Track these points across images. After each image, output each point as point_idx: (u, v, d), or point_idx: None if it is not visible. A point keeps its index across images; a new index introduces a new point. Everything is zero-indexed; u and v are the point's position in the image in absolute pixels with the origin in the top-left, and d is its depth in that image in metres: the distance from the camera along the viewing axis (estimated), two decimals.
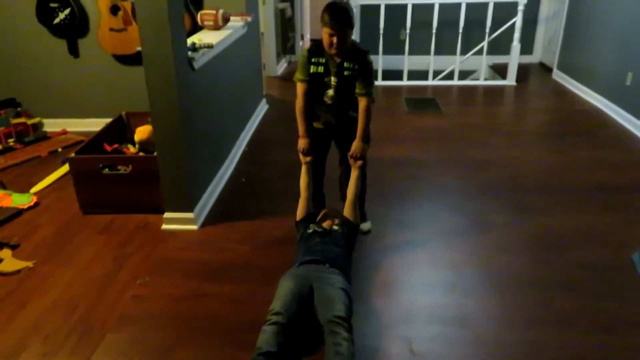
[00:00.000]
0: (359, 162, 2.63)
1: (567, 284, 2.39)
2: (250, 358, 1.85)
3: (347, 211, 2.61)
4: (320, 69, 2.49)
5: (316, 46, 2.49)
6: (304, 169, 2.67)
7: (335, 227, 2.50)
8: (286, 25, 6.64)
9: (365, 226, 2.85)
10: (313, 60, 2.49)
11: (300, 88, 2.57)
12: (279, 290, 2.08)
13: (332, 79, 2.49)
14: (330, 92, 2.53)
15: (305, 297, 2.04)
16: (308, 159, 2.66)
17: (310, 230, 2.45)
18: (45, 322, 2.19)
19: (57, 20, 4.12)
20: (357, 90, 2.50)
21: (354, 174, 2.65)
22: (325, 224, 2.54)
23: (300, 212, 2.63)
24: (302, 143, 2.65)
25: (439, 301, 2.31)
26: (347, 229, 2.52)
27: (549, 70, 6.42)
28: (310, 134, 2.65)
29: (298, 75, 2.56)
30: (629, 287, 2.36)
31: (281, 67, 6.78)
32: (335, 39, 2.34)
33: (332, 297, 2.02)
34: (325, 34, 2.36)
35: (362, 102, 2.52)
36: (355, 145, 2.60)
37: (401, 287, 2.41)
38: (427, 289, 2.41)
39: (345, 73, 2.46)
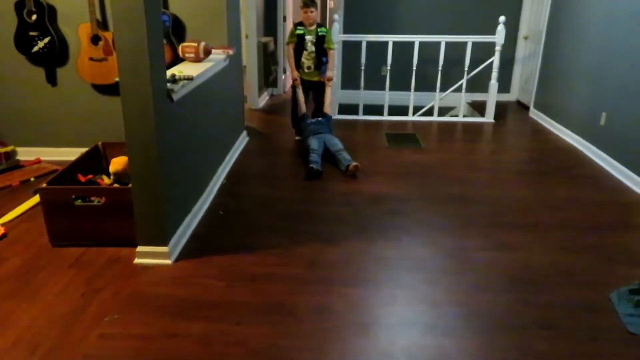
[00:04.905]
0: (330, 82, 5.00)
1: (546, 324, 2.36)
2: (307, 168, 4.13)
3: (326, 108, 4.99)
4: (302, 31, 4.86)
5: (300, 22, 4.89)
6: (299, 89, 4.99)
7: (320, 119, 4.87)
8: (269, 59, 6.70)
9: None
10: (298, 27, 4.87)
11: (291, 47, 4.96)
12: (312, 143, 4.41)
13: (310, 37, 4.85)
14: (309, 44, 4.86)
15: (322, 144, 4.45)
16: (298, 81, 4.97)
17: (310, 120, 4.85)
18: None
19: (35, 49, 4.08)
20: (326, 45, 4.88)
21: (327, 90, 4.99)
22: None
23: (301, 109, 4.96)
24: (294, 74, 5.00)
25: (418, 341, 2.25)
26: (327, 118, 4.93)
27: (526, 108, 6.57)
28: (298, 71, 5.01)
29: (288, 39, 4.99)
30: (608, 327, 2.34)
31: (263, 100, 6.80)
32: (308, 14, 4.76)
33: (336, 143, 4.49)
34: (303, 12, 4.78)
35: (329, 52, 4.92)
36: (328, 74, 4.97)
37: (380, 327, 2.35)
38: (406, 328, 2.35)
39: (320, 34, 4.86)
